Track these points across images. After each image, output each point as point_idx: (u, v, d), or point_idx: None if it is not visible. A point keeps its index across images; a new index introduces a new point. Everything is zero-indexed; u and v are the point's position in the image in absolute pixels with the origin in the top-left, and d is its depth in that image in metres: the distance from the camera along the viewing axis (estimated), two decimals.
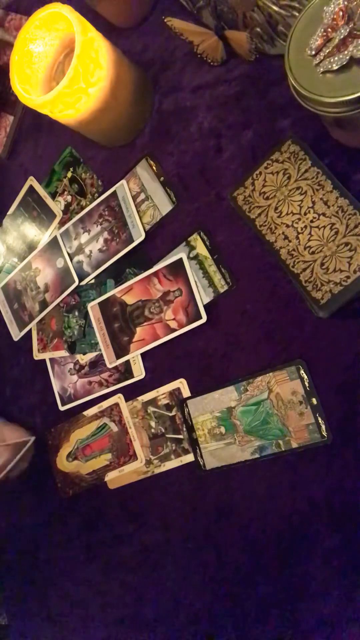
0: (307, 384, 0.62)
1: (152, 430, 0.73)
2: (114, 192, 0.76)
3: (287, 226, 0.61)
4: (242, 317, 0.67)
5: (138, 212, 0.74)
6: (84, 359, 0.80)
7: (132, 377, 0.75)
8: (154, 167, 0.74)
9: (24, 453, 0.81)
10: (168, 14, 0.68)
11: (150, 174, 0.74)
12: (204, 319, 0.68)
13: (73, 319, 0.80)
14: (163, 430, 0.73)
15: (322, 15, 0.48)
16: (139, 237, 0.73)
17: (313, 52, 0.49)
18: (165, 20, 0.67)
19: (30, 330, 0.85)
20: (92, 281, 0.79)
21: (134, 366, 0.75)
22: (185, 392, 0.71)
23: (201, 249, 0.70)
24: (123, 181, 0.76)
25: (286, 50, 0.50)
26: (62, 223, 0.82)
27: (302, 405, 0.62)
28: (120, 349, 0.75)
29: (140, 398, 0.74)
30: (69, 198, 0.82)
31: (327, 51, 0.48)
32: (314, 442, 0.62)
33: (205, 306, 0.68)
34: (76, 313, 0.80)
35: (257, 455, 0.65)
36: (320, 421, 0.61)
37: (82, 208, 0.80)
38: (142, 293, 0.73)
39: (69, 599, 0.81)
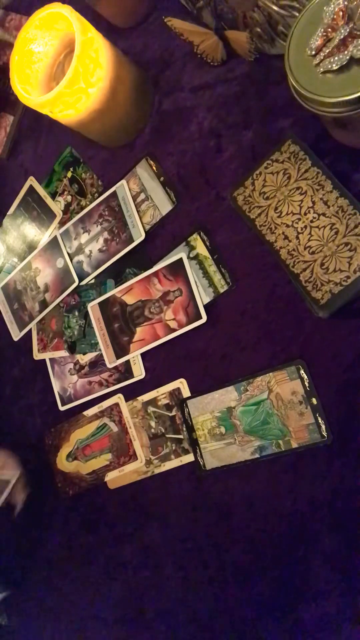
0: (307, 384, 0.62)
1: (152, 430, 0.73)
2: (114, 192, 0.76)
3: (287, 226, 0.61)
4: (242, 317, 0.67)
5: (138, 212, 0.74)
6: (84, 359, 0.80)
7: (132, 377, 0.75)
8: (154, 167, 0.74)
9: (10, 490, 0.73)
10: (168, 14, 0.68)
11: (150, 174, 0.74)
12: (204, 319, 0.68)
13: (73, 319, 0.80)
14: (163, 430, 0.73)
15: (322, 15, 0.48)
16: (139, 237, 0.73)
17: (313, 52, 0.49)
18: (165, 20, 0.67)
19: (30, 330, 0.85)
20: (92, 281, 0.79)
21: (134, 366, 0.75)
22: (185, 392, 0.71)
23: (201, 249, 0.70)
24: (123, 181, 0.76)
25: (286, 50, 0.50)
26: (62, 223, 0.82)
27: (302, 405, 0.62)
28: (120, 349, 0.75)
29: (140, 398, 0.74)
30: (69, 198, 0.82)
31: (327, 51, 0.48)
32: (314, 442, 0.62)
33: (205, 306, 0.68)
34: (76, 313, 0.80)
35: (257, 455, 0.65)
36: (320, 421, 0.61)
37: (82, 208, 0.80)
38: (142, 293, 0.73)
39: (69, 599, 0.81)
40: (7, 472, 0.77)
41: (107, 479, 0.77)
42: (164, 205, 0.73)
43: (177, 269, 0.71)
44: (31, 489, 0.80)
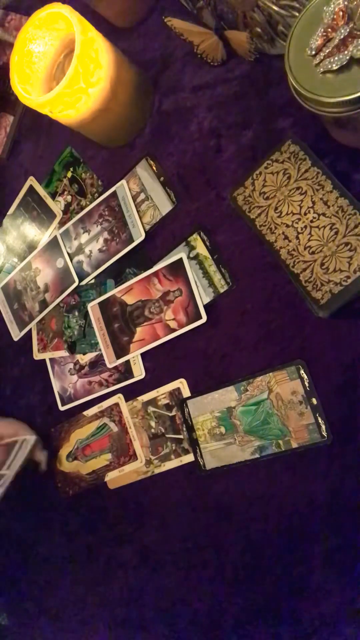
0: (307, 384, 0.62)
1: (152, 430, 0.73)
2: (114, 192, 0.76)
3: (287, 226, 0.61)
4: (242, 317, 0.67)
5: (138, 212, 0.74)
6: (84, 359, 0.80)
7: (132, 377, 0.75)
8: (154, 167, 0.74)
9: (21, 453, 0.76)
10: (168, 14, 0.68)
11: (150, 174, 0.74)
12: (204, 319, 0.68)
13: (73, 319, 0.80)
14: (163, 430, 0.73)
15: (322, 15, 0.48)
16: (139, 237, 0.73)
17: (313, 52, 0.49)
18: (165, 20, 0.67)
19: (30, 330, 0.85)
20: (92, 281, 0.79)
21: (134, 366, 0.75)
22: (185, 392, 0.71)
23: (201, 249, 0.70)
24: (123, 181, 0.76)
25: (286, 50, 0.50)
26: (62, 223, 0.82)
27: (302, 405, 0.62)
28: (120, 349, 0.75)
29: (140, 398, 0.74)
30: (69, 198, 0.82)
31: (327, 51, 0.48)
32: (314, 442, 0.62)
33: (205, 306, 0.68)
34: (76, 313, 0.80)
35: (257, 455, 0.65)
36: (320, 421, 0.61)
37: (82, 208, 0.80)
38: (142, 293, 0.73)
39: (69, 599, 0.81)
40: (23, 435, 0.80)
41: (107, 479, 0.77)
42: (164, 205, 0.73)
43: (177, 269, 0.71)
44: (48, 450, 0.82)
